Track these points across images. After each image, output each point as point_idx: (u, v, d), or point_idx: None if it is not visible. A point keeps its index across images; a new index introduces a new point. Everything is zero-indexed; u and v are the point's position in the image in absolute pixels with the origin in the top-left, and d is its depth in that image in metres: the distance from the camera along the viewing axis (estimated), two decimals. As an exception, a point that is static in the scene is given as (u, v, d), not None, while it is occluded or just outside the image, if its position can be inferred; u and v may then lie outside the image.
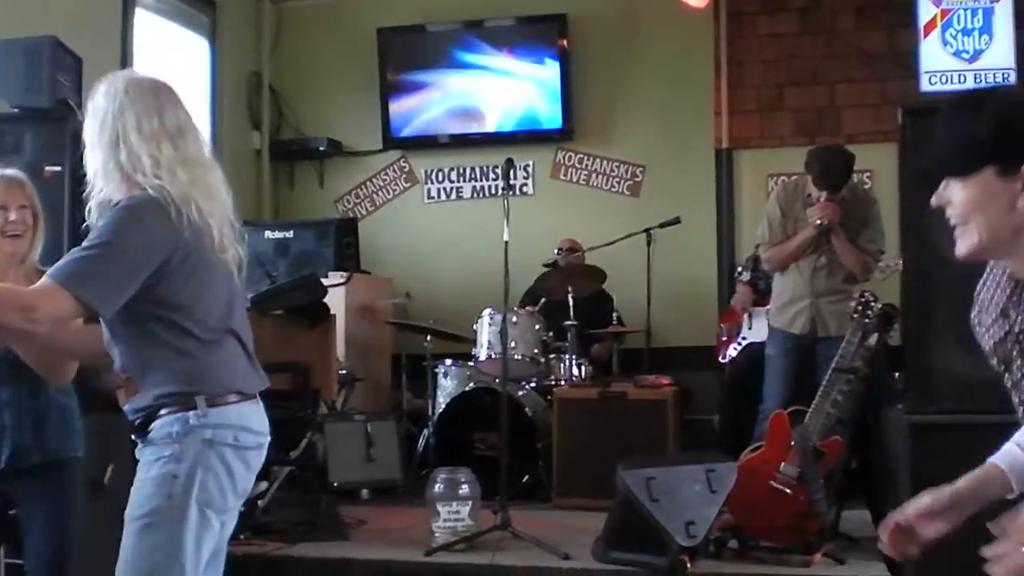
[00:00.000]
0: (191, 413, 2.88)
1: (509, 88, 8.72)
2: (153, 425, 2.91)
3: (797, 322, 5.99)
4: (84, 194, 3.00)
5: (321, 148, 8.97)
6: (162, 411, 2.90)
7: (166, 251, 2.83)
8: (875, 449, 5.83)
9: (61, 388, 3.69)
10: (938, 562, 4.58)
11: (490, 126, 8.78)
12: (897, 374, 5.28)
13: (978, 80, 7.04)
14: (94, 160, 2.96)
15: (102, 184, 2.94)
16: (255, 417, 3.03)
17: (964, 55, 7.10)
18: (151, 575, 2.87)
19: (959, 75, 7.09)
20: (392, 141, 8.97)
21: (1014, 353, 2.06)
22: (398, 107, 8.90)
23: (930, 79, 7.11)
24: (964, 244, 2.12)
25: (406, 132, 8.94)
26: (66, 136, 4.76)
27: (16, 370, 3.58)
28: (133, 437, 2.98)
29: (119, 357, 2.97)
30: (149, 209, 2.83)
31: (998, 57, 7.03)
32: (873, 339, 5.13)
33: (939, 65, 7.13)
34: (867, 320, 5.10)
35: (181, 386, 2.89)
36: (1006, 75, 7.00)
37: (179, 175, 2.90)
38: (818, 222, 5.84)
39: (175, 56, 8.00)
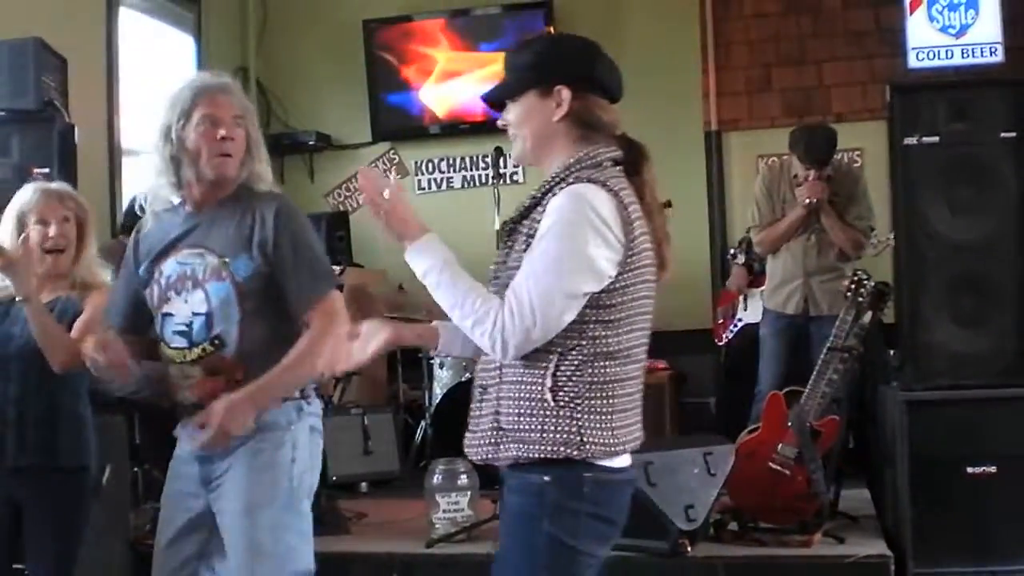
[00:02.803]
0: (302, 401, 3.08)
1: (497, 76, 8.69)
2: (262, 414, 3.02)
3: (790, 303, 6.01)
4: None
5: (310, 142, 8.95)
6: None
7: None
8: (872, 427, 5.84)
9: (75, 396, 3.69)
10: (937, 539, 4.61)
11: (479, 115, 8.76)
12: (892, 352, 5.28)
13: (965, 55, 7.03)
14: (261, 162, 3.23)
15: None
16: None
17: (951, 30, 7.08)
18: (288, 558, 3.04)
19: (946, 51, 7.08)
20: (381, 133, 8.95)
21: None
22: (386, 99, 8.88)
23: (917, 55, 7.10)
24: (515, 152, 2.66)
25: (395, 124, 8.92)
26: (53, 137, 4.74)
27: (25, 368, 3.59)
28: None
29: (240, 340, 3.07)
30: None
31: (985, 32, 7.02)
32: (867, 317, 5.13)
33: (926, 41, 7.11)
34: (860, 298, 5.10)
35: None
36: (993, 49, 6.99)
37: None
38: (807, 201, 5.84)
39: (160, 54, 7.98)
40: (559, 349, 2.45)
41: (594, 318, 2.45)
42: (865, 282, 5.12)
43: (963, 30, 7.05)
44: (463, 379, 6.99)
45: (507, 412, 2.49)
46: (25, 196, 3.69)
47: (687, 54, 8.40)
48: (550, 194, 2.50)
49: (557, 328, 2.42)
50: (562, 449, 2.44)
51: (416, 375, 7.50)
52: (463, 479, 5.17)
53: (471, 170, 8.83)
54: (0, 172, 4.69)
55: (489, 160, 5.96)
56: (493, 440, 2.51)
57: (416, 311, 7.66)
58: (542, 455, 2.45)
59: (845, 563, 4.59)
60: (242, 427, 2.96)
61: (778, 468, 5.01)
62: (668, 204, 7.88)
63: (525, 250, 2.50)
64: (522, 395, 2.47)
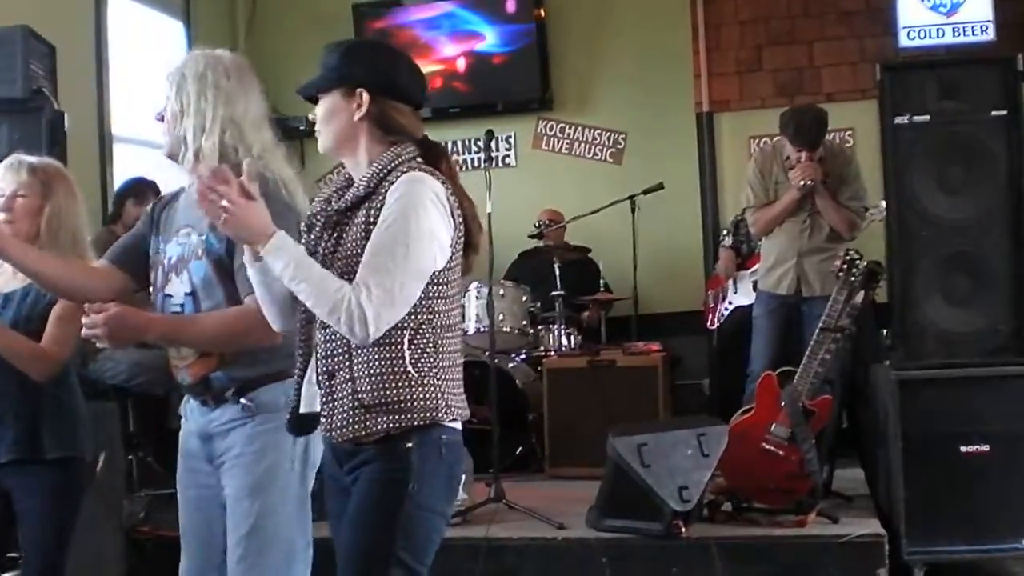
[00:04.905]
0: (286, 382, 2.95)
1: (487, 59, 8.68)
2: (256, 394, 3.05)
3: (783, 283, 6.01)
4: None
5: (301, 127, 8.86)
6: (265, 381, 3.06)
7: None
8: (865, 407, 5.85)
9: (62, 386, 3.66)
10: (931, 518, 4.62)
11: (470, 98, 8.74)
12: (884, 331, 5.28)
13: (956, 34, 7.00)
14: (192, 131, 3.16)
15: (191, 157, 3.12)
16: None
17: (942, 9, 7.06)
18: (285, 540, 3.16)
19: (937, 29, 7.05)
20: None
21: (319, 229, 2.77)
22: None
23: (908, 34, 7.07)
24: (321, 144, 2.91)
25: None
26: (42, 125, 4.72)
27: (1, 363, 3.55)
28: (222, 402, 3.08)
29: None
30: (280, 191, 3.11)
31: (976, 10, 6.99)
32: (859, 297, 5.13)
33: (917, 20, 7.08)
34: (853, 278, 5.11)
35: (284, 362, 2.97)
36: (984, 27, 6.96)
37: (278, 157, 3.22)
38: (801, 183, 5.84)
39: (150, 40, 7.95)
40: (411, 325, 2.62)
41: (436, 294, 2.66)
42: (857, 262, 5.12)
43: (954, 8, 7.03)
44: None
45: (367, 390, 2.61)
46: None
47: (678, 35, 8.39)
48: (385, 183, 2.67)
49: (408, 306, 2.59)
50: (432, 415, 2.63)
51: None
52: (457, 463, 5.17)
53: (463, 153, 8.81)
54: (-11, 161, 4.66)
55: (481, 143, 5.94)
56: (360, 418, 2.62)
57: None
58: (414, 423, 2.62)
59: (839, 543, 4.61)
60: (118, 342, 2.97)
61: (771, 448, 5.01)
62: (660, 186, 7.90)
63: (364, 238, 2.62)
64: (383, 370, 2.61)
